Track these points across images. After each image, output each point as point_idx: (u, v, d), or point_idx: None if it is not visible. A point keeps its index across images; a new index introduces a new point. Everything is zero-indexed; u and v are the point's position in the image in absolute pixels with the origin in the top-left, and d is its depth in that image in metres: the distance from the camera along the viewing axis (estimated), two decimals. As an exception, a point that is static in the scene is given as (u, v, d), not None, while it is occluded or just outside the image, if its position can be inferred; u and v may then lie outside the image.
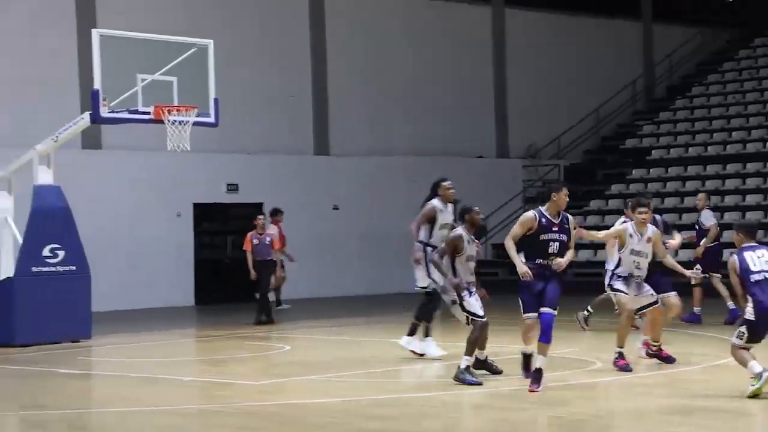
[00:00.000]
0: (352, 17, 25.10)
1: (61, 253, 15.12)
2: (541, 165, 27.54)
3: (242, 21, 23.42)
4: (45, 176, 15.34)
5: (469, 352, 10.54)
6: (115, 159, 21.40)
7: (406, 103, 25.75)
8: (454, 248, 10.73)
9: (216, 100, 15.43)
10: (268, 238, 17.65)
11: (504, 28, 27.65)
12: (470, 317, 10.67)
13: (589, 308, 15.35)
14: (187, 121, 14.85)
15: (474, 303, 10.71)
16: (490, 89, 27.42)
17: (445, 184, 12.83)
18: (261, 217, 18.00)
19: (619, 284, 11.44)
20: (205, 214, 22.57)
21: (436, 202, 12.63)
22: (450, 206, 12.77)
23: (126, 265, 21.16)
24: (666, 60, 30.57)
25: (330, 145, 24.69)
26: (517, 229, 10.34)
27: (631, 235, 11.39)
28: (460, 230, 10.88)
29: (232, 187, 22.77)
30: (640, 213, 11.36)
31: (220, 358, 13.37)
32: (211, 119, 15.43)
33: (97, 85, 14.57)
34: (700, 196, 17.07)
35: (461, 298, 10.68)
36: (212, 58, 15.40)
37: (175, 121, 14.77)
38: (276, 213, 19.67)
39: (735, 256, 9.69)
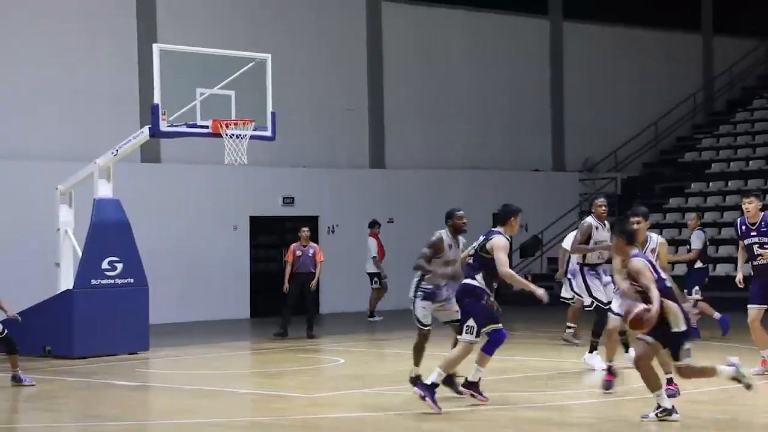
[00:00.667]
0: (409, 30, 25.14)
1: (120, 266, 15.29)
2: (598, 178, 27.33)
3: (300, 35, 23.56)
4: (105, 189, 15.53)
5: (416, 361, 10.43)
6: (173, 172, 21.61)
7: (462, 116, 25.71)
8: (435, 251, 10.41)
9: (273, 114, 15.53)
10: (311, 251, 17.63)
11: (562, 40, 27.53)
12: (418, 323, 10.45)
13: (568, 324, 15.28)
14: (245, 135, 14.96)
15: (420, 309, 10.41)
16: (547, 102, 27.30)
17: (598, 201, 12.88)
18: (305, 229, 17.94)
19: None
20: (261, 227, 22.69)
21: (591, 219, 12.77)
22: (607, 224, 12.81)
23: (183, 277, 21.34)
24: (726, 73, 30.21)
25: (386, 158, 24.72)
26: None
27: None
28: (442, 233, 10.49)
29: (288, 201, 22.88)
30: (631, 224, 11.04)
31: (275, 370, 13.42)
32: (269, 133, 15.53)
33: (156, 99, 14.74)
34: (692, 216, 16.80)
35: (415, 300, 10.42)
36: (270, 72, 15.51)
37: (232, 134, 14.89)
38: (374, 225, 20.06)
39: None
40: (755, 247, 12.22)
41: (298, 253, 17.51)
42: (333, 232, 23.03)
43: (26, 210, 19.17)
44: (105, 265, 15.18)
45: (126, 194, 16.25)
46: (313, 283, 17.50)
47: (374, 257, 20.90)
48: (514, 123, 26.47)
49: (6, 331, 12.11)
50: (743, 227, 12.36)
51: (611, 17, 28.19)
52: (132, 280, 15.38)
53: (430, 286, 10.52)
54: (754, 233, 12.17)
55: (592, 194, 27.08)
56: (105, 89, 21.10)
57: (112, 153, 15.45)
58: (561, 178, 26.96)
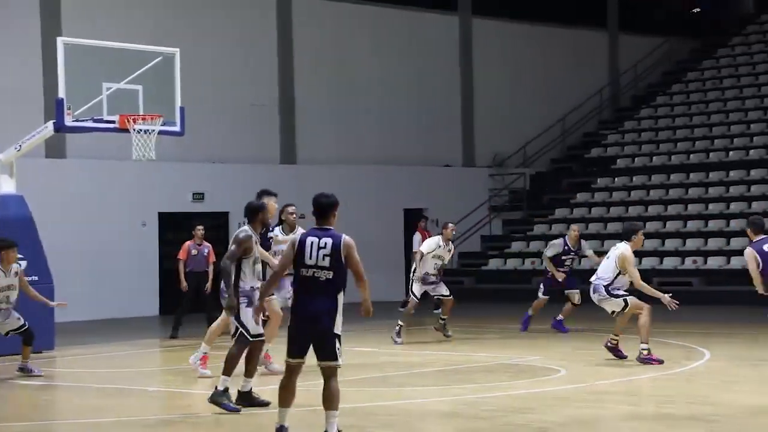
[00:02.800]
0: (319, 26, 25.12)
1: (24, 263, 14.96)
2: (507, 174, 27.66)
3: (209, 29, 23.37)
4: (8, 185, 15.23)
5: (227, 371, 9.60)
6: (79, 168, 21.27)
7: (373, 111, 25.79)
8: (244, 251, 9.75)
9: (182, 109, 15.38)
10: (206, 250, 17.30)
11: (471, 37, 27.77)
12: (241, 331, 9.70)
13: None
14: (153, 130, 14.79)
15: (250, 317, 9.70)
16: (456, 98, 27.51)
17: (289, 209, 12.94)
18: (200, 227, 17.58)
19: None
20: (170, 224, 22.45)
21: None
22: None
23: (90, 275, 21.02)
24: (631, 69, 30.81)
25: (297, 153, 24.67)
26: None
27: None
28: (247, 228, 9.88)
29: (198, 197, 22.69)
30: None
31: (184, 368, 13.27)
32: (177, 128, 15.38)
33: (61, 93, 14.50)
34: (574, 227, 17.39)
35: (238, 309, 9.66)
36: (178, 66, 15.36)
37: (140, 129, 14.72)
38: (420, 218, 20.76)
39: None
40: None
41: (194, 252, 17.20)
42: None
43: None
44: (9, 262, 14.85)
45: (30, 190, 15.96)
46: (208, 285, 17.00)
47: (419, 251, 20.54)
48: (424, 119, 26.62)
49: (27, 324, 12.60)
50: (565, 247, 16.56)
51: (520, 14, 28.53)
52: (36, 278, 15.08)
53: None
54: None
55: (501, 189, 27.43)
56: (8, 83, 20.67)
57: (15, 148, 15.16)
58: (471, 174, 27.22)
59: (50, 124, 14.93)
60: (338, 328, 7.92)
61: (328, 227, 8.07)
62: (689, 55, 31.74)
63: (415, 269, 15.55)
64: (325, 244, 7.91)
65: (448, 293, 15.31)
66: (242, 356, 9.82)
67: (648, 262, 23.36)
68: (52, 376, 13.44)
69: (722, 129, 27.13)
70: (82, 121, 14.70)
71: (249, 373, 9.89)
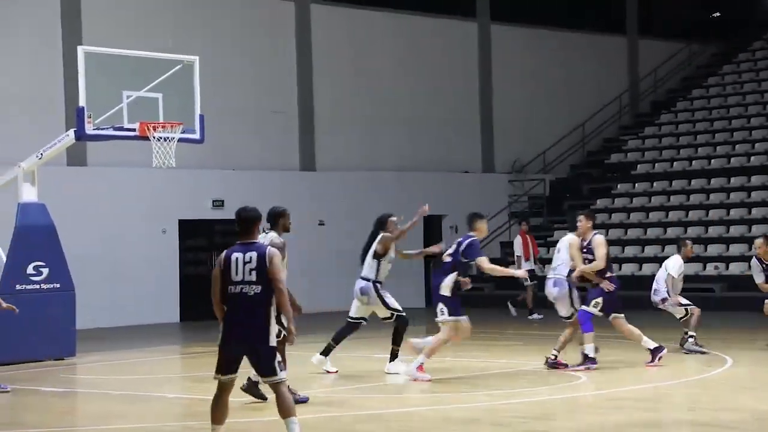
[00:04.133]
0: (339, 32, 25.17)
1: (46, 271, 15.08)
2: (526, 180, 27.61)
3: (228, 37, 23.46)
4: (29, 193, 15.31)
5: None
6: (100, 176, 21.37)
7: (392, 118, 25.80)
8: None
9: (201, 117, 15.43)
10: None
11: (490, 43, 27.76)
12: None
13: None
14: (173, 138, 14.84)
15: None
16: (476, 104, 27.50)
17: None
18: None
19: None
20: (190, 231, 22.53)
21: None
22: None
23: (111, 282, 21.11)
24: (651, 75, 30.72)
25: (316, 160, 24.71)
26: None
27: None
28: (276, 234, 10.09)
29: (218, 204, 22.76)
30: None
31: (204, 374, 13.32)
32: (197, 135, 15.42)
33: (82, 102, 14.56)
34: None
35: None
36: (198, 74, 15.41)
37: (160, 137, 14.77)
38: (521, 222, 20.81)
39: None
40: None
41: None
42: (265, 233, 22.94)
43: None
44: (30, 269, 14.97)
45: (52, 198, 16.04)
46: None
47: (518, 256, 20.94)
48: (443, 125, 26.62)
49: None
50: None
51: (539, 20, 28.50)
52: (58, 285, 15.18)
53: None
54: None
55: (521, 195, 27.38)
56: (30, 92, 20.81)
57: (37, 156, 15.24)
58: (490, 180, 27.18)
59: (71, 133, 15.01)
60: (273, 342, 7.86)
61: (252, 241, 8.02)
62: (709, 60, 31.62)
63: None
64: (251, 258, 7.86)
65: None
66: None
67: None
68: (73, 383, 13.50)
69: (743, 134, 26.99)
70: (103, 129, 14.76)
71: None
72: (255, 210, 8.18)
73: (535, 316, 20.56)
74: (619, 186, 26.91)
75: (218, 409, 8.06)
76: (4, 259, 15.09)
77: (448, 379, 12.63)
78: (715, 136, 27.43)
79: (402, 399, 11.18)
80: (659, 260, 23.51)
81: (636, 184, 26.69)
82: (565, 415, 9.83)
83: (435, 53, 26.62)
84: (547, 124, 28.24)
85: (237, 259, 7.87)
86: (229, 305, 7.86)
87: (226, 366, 7.92)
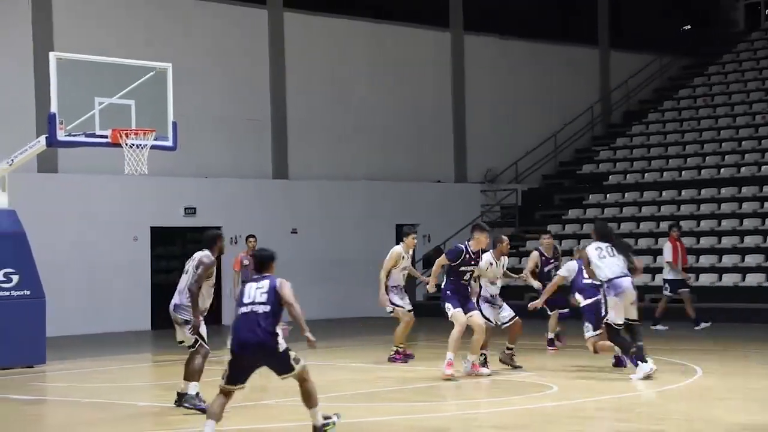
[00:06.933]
0: (312, 41, 25.17)
1: (16, 278, 14.96)
2: (499, 190, 27.69)
3: (202, 44, 23.41)
4: (0, 200, 15.19)
5: (198, 378, 10.74)
6: (71, 183, 21.25)
7: (365, 127, 25.82)
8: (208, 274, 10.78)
9: (174, 124, 15.38)
10: None
11: (463, 53, 27.84)
12: (201, 342, 10.77)
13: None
14: (145, 145, 14.78)
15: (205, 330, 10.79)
16: (448, 114, 27.57)
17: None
18: (252, 239, 17.93)
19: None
20: (162, 238, 22.44)
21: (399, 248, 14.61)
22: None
23: (82, 289, 20.98)
24: (623, 86, 30.92)
25: (289, 168, 24.68)
26: None
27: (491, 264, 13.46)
28: (209, 254, 10.80)
29: (190, 211, 22.68)
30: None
31: (175, 382, 13.25)
32: (170, 143, 15.37)
33: (53, 108, 14.48)
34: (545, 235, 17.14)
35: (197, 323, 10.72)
36: (171, 81, 15.36)
37: (132, 144, 14.70)
38: (671, 227, 19.88)
39: None
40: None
41: (246, 262, 17.60)
42: (236, 243, 22.88)
43: None
44: (0, 276, 14.84)
45: (22, 205, 15.93)
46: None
47: (668, 262, 19.98)
48: (416, 134, 26.67)
49: None
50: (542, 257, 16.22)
51: (511, 30, 28.63)
52: (28, 292, 15.07)
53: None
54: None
55: (493, 205, 27.45)
56: (0, 98, 20.66)
57: (8, 162, 15.14)
58: (463, 190, 27.24)
59: (42, 139, 14.91)
60: (282, 346, 8.94)
61: (266, 275, 9.35)
62: (680, 72, 31.87)
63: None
64: (263, 285, 9.21)
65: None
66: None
67: (641, 278, 23.35)
68: (43, 391, 13.39)
69: (714, 146, 27.20)
70: (75, 135, 14.68)
71: (197, 377, 10.88)
72: (269, 251, 9.57)
73: (659, 327, 19.55)
74: (590, 196, 27.04)
75: (220, 410, 8.92)
76: None
77: (422, 388, 12.62)
78: (686, 148, 27.63)
79: (369, 408, 11.17)
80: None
81: (608, 195, 26.83)
82: (537, 426, 9.84)
83: (408, 62, 26.67)
84: (519, 134, 28.35)
85: (251, 286, 9.18)
86: (239, 322, 9.00)
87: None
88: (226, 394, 8.92)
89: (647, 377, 12.37)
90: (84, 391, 12.95)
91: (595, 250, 12.88)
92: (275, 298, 9.09)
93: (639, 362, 12.55)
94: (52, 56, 14.74)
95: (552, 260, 16.36)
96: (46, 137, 14.79)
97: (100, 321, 21.03)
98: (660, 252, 23.93)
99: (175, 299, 10.92)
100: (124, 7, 22.55)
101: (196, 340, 10.76)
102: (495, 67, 28.28)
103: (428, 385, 12.89)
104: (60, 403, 12.28)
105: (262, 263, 9.38)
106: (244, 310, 8.95)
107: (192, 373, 10.76)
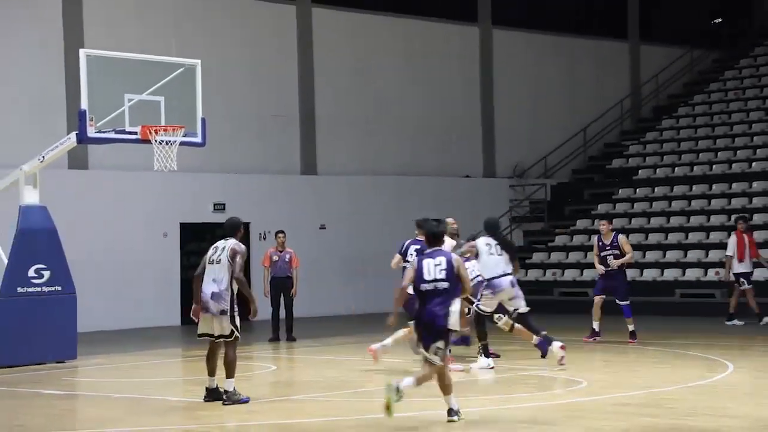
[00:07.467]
0: (340, 36, 25.18)
1: (47, 274, 15.09)
2: (527, 184, 27.61)
3: (230, 40, 23.48)
4: (31, 196, 15.32)
5: (233, 373, 10.82)
6: (101, 179, 21.38)
7: (393, 122, 25.82)
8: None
9: (203, 120, 15.44)
10: (287, 256, 17.90)
11: (491, 48, 27.77)
12: (234, 331, 10.80)
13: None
14: (174, 141, 14.85)
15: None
16: (477, 108, 27.51)
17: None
18: (282, 234, 18.08)
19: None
20: (191, 234, 22.54)
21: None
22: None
23: (112, 285, 21.12)
24: (652, 80, 30.73)
25: (317, 164, 24.72)
26: None
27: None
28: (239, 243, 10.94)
29: (219, 207, 22.77)
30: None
31: (205, 377, 13.35)
32: (199, 139, 15.44)
33: (84, 105, 14.57)
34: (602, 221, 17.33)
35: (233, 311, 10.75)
36: (200, 77, 15.43)
37: (162, 140, 14.78)
38: (738, 220, 19.58)
39: None
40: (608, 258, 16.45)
41: (275, 258, 17.83)
42: (264, 238, 22.96)
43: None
44: (31, 272, 14.98)
45: (53, 201, 16.05)
46: (294, 290, 17.97)
47: (729, 256, 19.50)
48: (444, 129, 26.63)
49: None
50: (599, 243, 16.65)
51: (540, 24, 28.52)
52: (59, 288, 15.19)
53: None
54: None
55: (522, 200, 27.38)
56: (32, 95, 20.83)
57: (39, 159, 15.26)
58: (491, 185, 27.19)
59: (73, 136, 15.02)
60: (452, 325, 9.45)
61: (439, 248, 9.59)
62: (711, 65, 31.63)
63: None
64: (440, 262, 9.46)
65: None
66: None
67: (670, 274, 23.28)
68: (74, 386, 13.50)
69: (745, 139, 26.99)
70: (105, 132, 14.78)
71: (215, 372, 11.05)
72: (442, 224, 9.80)
73: (736, 322, 19.30)
74: (620, 191, 26.91)
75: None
76: (5, 261, 15.09)
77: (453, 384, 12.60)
78: (717, 142, 27.43)
79: (397, 404, 11.17)
80: (660, 265, 23.59)
81: (637, 190, 26.69)
82: (566, 421, 9.82)
83: (436, 57, 26.64)
84: (548, 129, 28.25)
85: (429, 263, 9.46)
86: (420, 300, 9.49)
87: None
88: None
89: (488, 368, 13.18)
90: (115, 386, 13.04)
91: (485, 245, 13.42)
92: (453, 274, 9.41)
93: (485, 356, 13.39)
94: (83, 53, 14.83)
95: (609, 247, 16.56)
96: (76, 134, 14.89)
97: (130, 316, 21.16)
98: (690, 247, 23.84)
99: (212, 287, 10.77)
100: (154, 4, 22.66)
101: (233, 331, 10.76)
102: (524, 61, 28.19)
103: (455, 381, 12.87)
104: (91, 398, 12.37)
105: (434, 237, 9.59)
106: (426, 287, 9.37)
107: (231, 368, 10.79)
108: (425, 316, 9.41)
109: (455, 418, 9.55)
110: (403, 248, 13.56)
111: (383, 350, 13.44)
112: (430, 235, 9.66)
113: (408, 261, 13.07)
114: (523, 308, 13.55)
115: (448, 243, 13.48)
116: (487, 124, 27.65)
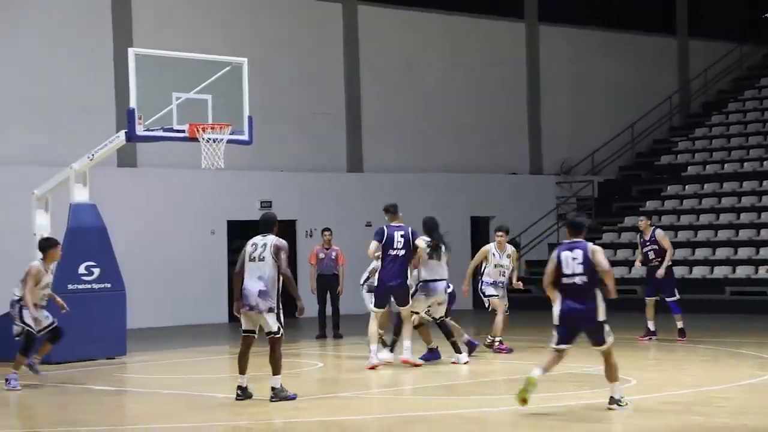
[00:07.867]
0: (386, 33, 25.20)
1: (97, 271, 15.25)
2: (574, 181, 27.45)
3: (276, 38, 23.57)
4: (81, 194, 15.48)
5: (279, 370, 10.86)
6: (150, 177, 21.58)
7: (439, 119, 25.78)
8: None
9: (250, 118, 15.52)
10: (333, 253, 17.98)
11: (538, 43, 27.64)
12: (281, 328, 10.81)
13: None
14: (222, 139, 14.95)
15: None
16: (523, 105, 27.40)
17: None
18: (328, 232, 18.21)
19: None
20: (238, 231, 22.65)
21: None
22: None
23: (161, 282, 21.30)
24: (701, 76, 30.41)
25: (363, 161, 24.75)
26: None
27: (493, 254, 15.01)
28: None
29: (266, 204, 22.88)
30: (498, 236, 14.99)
31: (254, 374, 13.42)
32: (245, 137, 15.52)
33: (132, 103, 14.71)
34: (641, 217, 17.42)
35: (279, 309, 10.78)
36: (246, 76, 15.51)
37: (209, 138, 14.88)
38: None
39: None
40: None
41: (321, 255, 17.95)
42: (311, 236, 23.04)
43: (2, 215, 19.12)
44: (82, 269, 15.14)
45: (102, 199, 16.21)
46: (341, 288, 18.10)
47: None
48: (491, 126, 26.55)
49: (56, 322, 12.83)
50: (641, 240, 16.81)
51: (587, 20, 28.33)
52: (109, 285, 15.34)
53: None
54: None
55: (569, 197, 27.23)
56: (81, 94, 21.06)
57: (89, 157, 15.42)
58: (538, 182, 27.06)
59: (122, 134, 15.16)
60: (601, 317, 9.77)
61: (578, 240, 9.88)
62: (761, 60, 31.23)
63: None
64: (577, 255, 9.76)
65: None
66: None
67: (720, 271, 23.03)
68: (123, 382, 13.64)
69: (796, 135, 26.66)
70: (153, 130, 14.91)
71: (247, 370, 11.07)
72: (582, 219, 10.18)
73: None
74: (668, 188, 26.67)
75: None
76: (19, 295, 15.07)
77: (491, 382, 12.58)
78: (767, 138, 27.09)
79: (443, 402, 11.15)
80: (710, 263, 23.35)
81: (686, 186, 26.44)
82: (615, 419, 9.76)
83: (482, 54, 26.56)
84: (595, 125, 28.06)
85: (567, 256, 9.79)
86: (563, 292, 9.76)
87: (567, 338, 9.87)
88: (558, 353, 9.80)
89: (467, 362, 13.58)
90: (163, 383, 13.15)
91: (426, 247, 13.62)
92: (590, 266, 9.62)
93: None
94: (131, 52, 14.96)
95: (648, 242, 16.61)
96: (125, 132, 15.03)
97: (178, 313, 21.34)
98: (741, 244, 23.57)
99: (259, 285, 10.77)
100: (201, 3, 22.81)
101: (279, 328, 10.77)
102: (570, 57, 28.02)
103: (500, 378, 12.85)
104: (140, 394, 12.49)
105: (574, 228, 9.86)
106: (565, 281, 9.68)
107: (277, 365, 10.83)
108: (570, 313, 9.67)
109: (614, 407, 9.75)
110: (385, 236, 13.42)
111: (413, 360, 13.56)
112: (569, 226, 9.99)
113: (394, 249, 13.28)
114: (440, 317, 13.91)
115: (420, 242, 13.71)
116: (534, 121, 27.52)
